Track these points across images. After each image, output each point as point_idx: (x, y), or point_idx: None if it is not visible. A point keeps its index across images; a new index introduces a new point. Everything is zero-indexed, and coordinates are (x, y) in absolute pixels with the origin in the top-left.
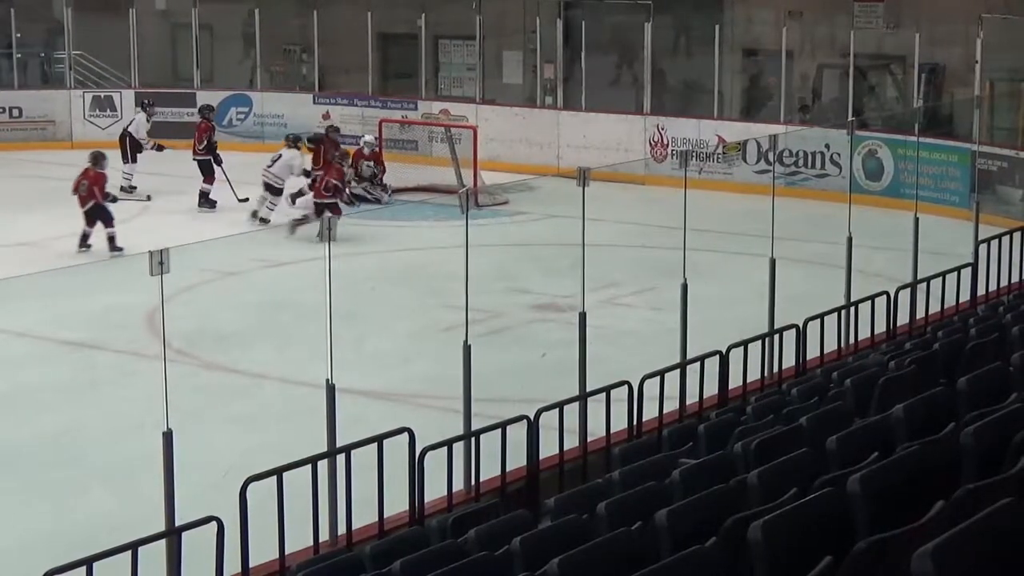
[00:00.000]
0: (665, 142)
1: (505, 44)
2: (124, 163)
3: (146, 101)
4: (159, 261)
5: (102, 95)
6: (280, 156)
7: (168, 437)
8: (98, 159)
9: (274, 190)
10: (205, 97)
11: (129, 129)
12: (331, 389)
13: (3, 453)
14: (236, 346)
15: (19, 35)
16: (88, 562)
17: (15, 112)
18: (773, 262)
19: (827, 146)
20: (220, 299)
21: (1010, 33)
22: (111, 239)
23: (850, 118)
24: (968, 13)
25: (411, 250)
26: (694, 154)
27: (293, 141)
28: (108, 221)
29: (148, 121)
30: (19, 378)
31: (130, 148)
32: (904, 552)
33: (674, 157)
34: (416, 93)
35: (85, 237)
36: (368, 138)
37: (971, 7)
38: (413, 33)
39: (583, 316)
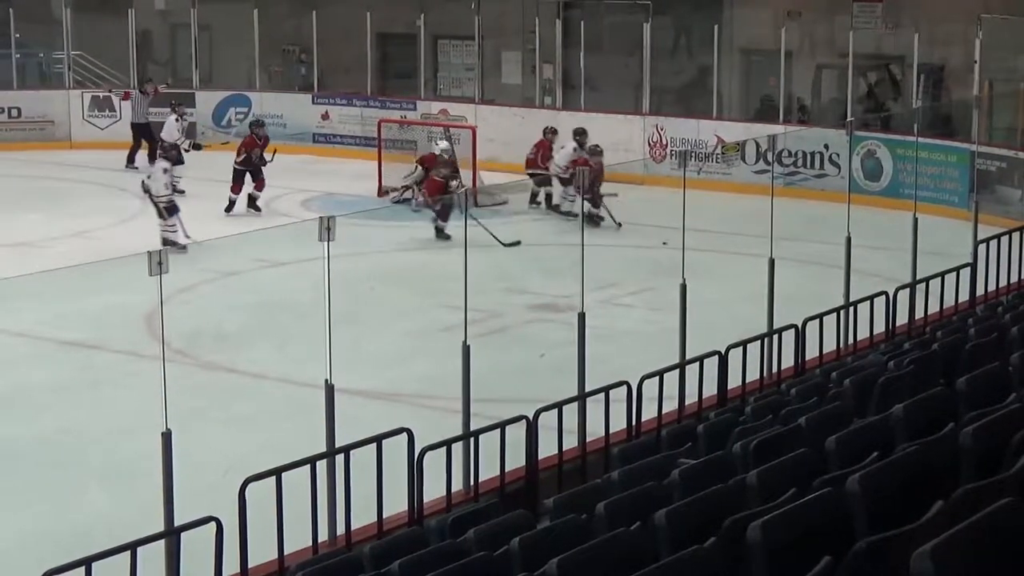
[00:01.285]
0: (664, 142)
1: (504, 44)
2: (151, 163)
3: (174, 102)
4: (158, 261)
5: (101, 95)
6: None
7: (167, 437)
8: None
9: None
10: (203, 98)
11: (161, 135)
12: (330, 389)
13: (2, 453)
14: (235, 346)
15: (18, 35)
16: (87, 562)
17: (14, 112)
18: (772, 262)
19: (826, 146)
20: (219, 299)
21: (1009, 33)
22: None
23: (849, 118)
24: (967, 13)
25: (410, 250)
26: (693, 154)
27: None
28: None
29: (180, 121)
30: (18, 378)
31: (162, 151)
32: (903, 552)
33: (673, 157)
34: (415, 93)
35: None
36: (443, 144)
37: (970, 7)
38: (412, 33)
39: (582, 316)
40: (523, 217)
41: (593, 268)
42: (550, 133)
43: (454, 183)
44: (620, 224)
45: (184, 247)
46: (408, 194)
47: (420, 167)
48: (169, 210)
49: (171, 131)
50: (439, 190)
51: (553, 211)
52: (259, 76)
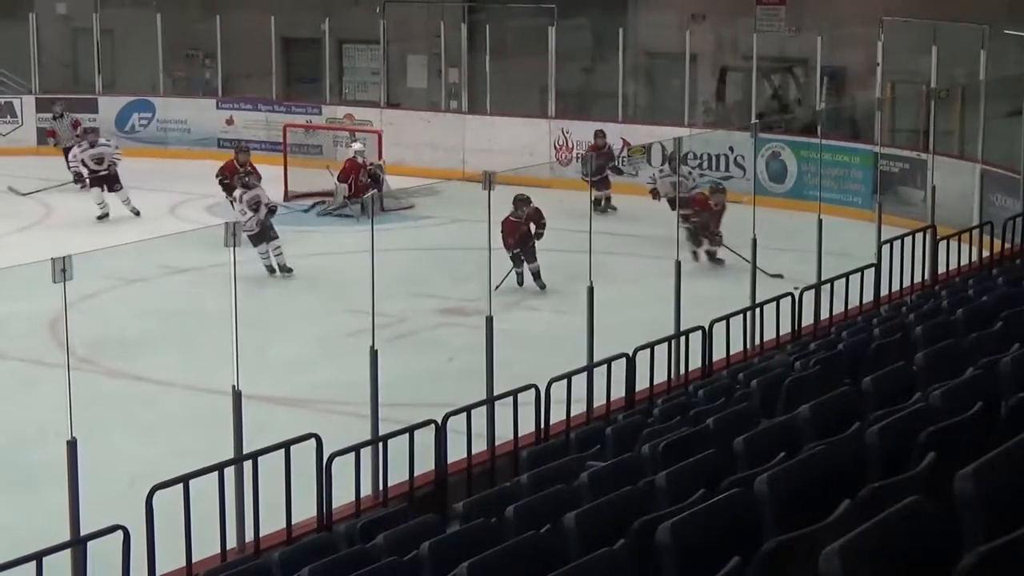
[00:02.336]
0: (570, 145)
1: (409, 48)
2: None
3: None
4: (62, 268)
5: (1, 101)
6: None
7: (72, 446)
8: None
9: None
10: (106, 103)
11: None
12: (237, 396)
13: None
14: (140, 354)
15: None
16: None
17: None
18: (679, 264)
19: (731, 148)
20: (124, 306)
21: (910, 35)
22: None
23: (753, 120)
24: (869, 16)
25: (316, 255)
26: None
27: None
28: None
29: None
30: None
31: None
32: (811, 551)
33: (579, 160)
34: (320, 98)
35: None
36: (357, 146)
37: (871, 10)
38: (316, 37)
39: (490, 320)
40: (428, 221)
41: (499, 272)
42: (600, 137)
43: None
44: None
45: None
46: (346, 210)
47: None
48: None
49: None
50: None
51: (606, 212)
52: (163, 81)
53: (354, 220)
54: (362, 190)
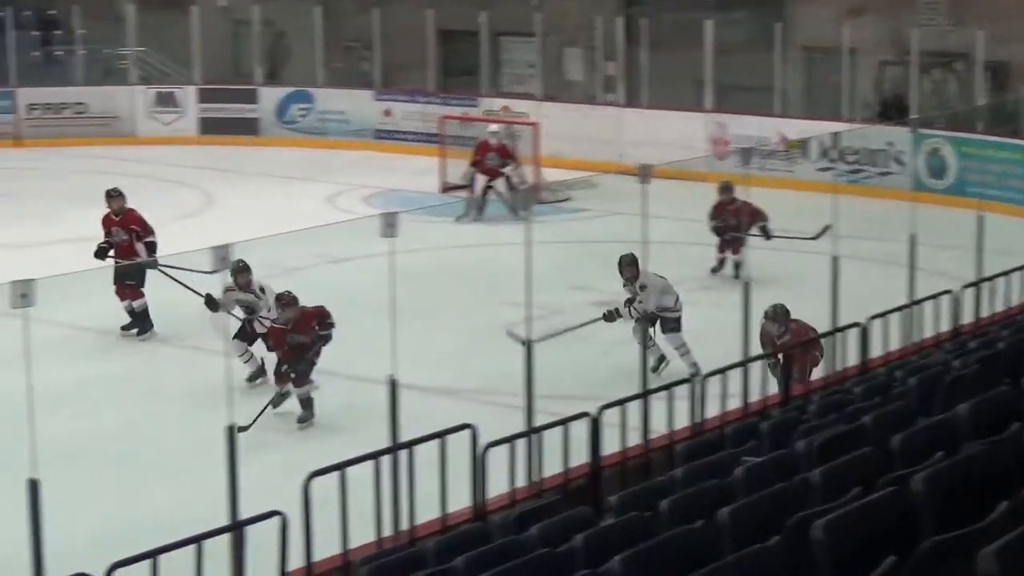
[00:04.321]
0: (727, 139)
1: (566, 40)
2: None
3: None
4: (222, 256)
5: (165, 91)
6: None
7: (232, 431)
8: None
9: None
10: (266, 94)
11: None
12: (394, 385)
13: (69, 447)
14: None
15: (83, 32)
16: (153, 555)
17: (80, 108)
18: (836, 260)
19: (890, 144)
20: None
21: None
22: None
23: (913, 116)
24: None
25: (473, 246)
26: (755, 151)
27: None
28: None
29: None
30: (83, 372)
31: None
32: (969, 553)
33: (736, 154)
34: (477, 90)
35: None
36: (493, 127)
37: None
38: (473, 30)
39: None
40: (585, 214)
41: (655, 266)
42: (726, 192)
43: (507, 168)
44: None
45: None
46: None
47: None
48: None
49: None
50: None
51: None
52: (322, 73)
53: (509, 214)
54: (491, 172)
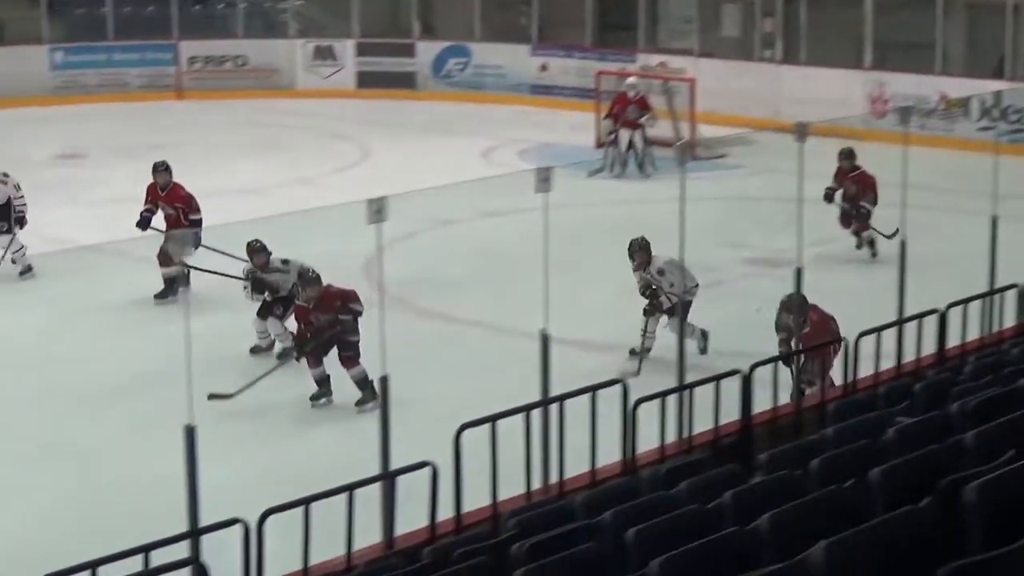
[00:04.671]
0: (886, 97)
1: None
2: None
3: None
4: (377, 209)
5: (323, 45)
6: None
7: (384, 382)
8: None
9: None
10: (423, 48)
11: None
12: (545, 339)
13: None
14: (451, 295)
15: None
16: (305, 502)
17: (240, 61)
18: (995, 220)
19: None
20: (436, 248)
21: None
22: None
23: None
24: None
25: (627, 203)
26: (915, 110)
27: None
28: None
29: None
30: (244, 324)
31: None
32: None
33: (894, 113)
34: (634, 45)
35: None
36: (631, 80)
37: None
38: None
39: (799, 271)
40: (740, 171)
41: (810, 224)
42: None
43: (644, 118)
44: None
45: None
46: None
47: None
48: None
49: None
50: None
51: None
52: (479, 27)
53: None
54: (632, 126)
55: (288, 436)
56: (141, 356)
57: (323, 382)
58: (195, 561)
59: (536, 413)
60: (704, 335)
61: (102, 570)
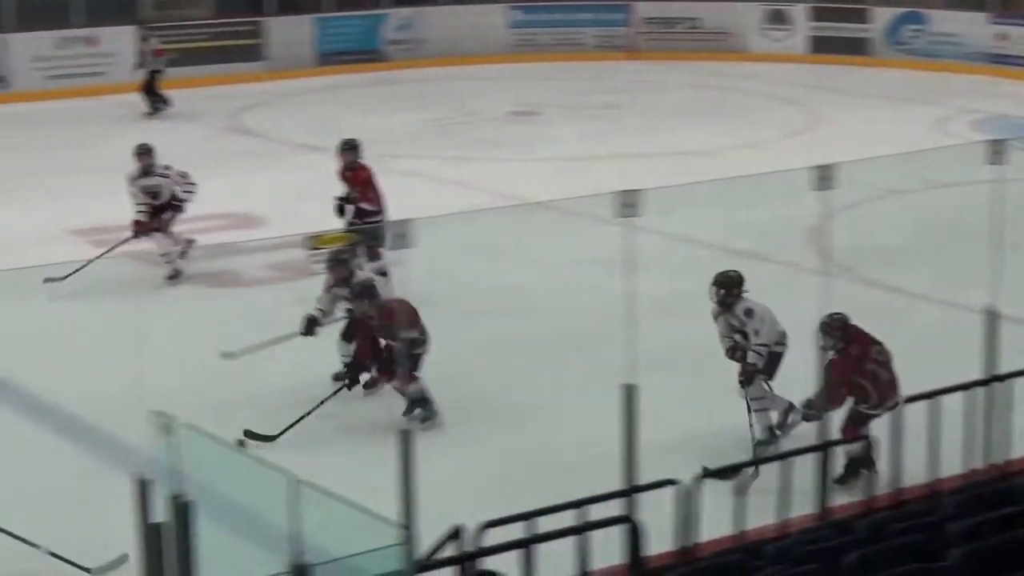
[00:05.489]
0: None
1: None
2: None
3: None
4: (822, 176)
5: (777, 8)
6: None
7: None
8: None
9: None
10: (879, 14)
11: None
12: (992, 315)
13: (666, 355)
14: (897, 266)
15: None
16: (744, 466)
17: (693, 23)
18: None
19: None
20: (883, 217)
21: None
22: None
23: None
24: None
25: None
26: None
27: None
28: None
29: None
30: (684, 285)
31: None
32: None
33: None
34: None
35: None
36: None
37: None
38: None
39: None
40: None
41: None
42: None
43: None
44: None
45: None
46: None
47: None
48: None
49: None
50: None
51: None
52: None
53: None
54: None
55: (717, 401)
56: (583, 311)
57: (419, 403)
58: (629, 519)
59: (979, 391)
60: (790, 409)
61: (541, 520)
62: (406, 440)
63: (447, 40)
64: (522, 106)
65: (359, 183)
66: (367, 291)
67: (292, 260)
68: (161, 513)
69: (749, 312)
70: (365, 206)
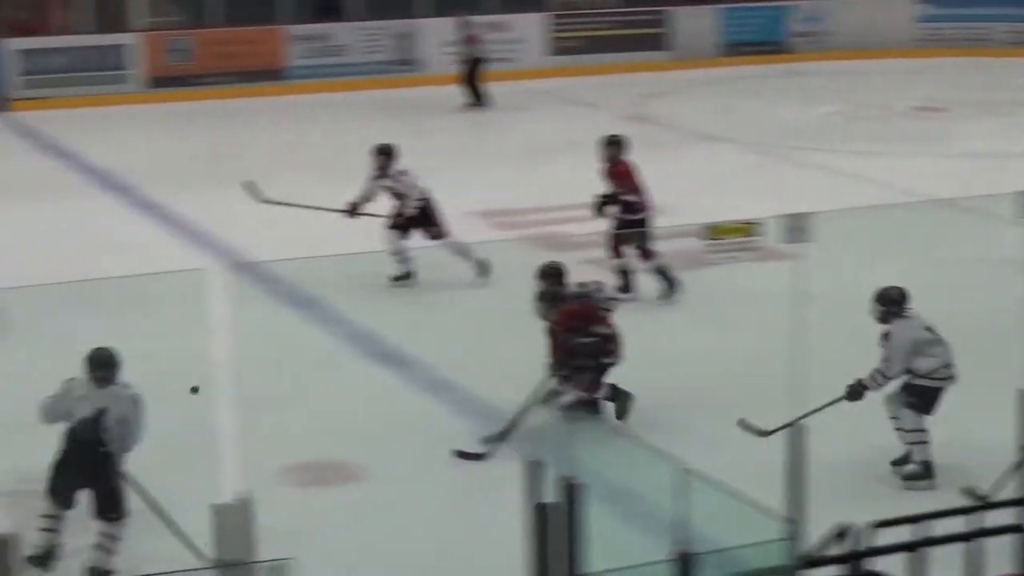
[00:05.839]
0: None
1: None
2: None
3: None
4: None
5: None
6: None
7: None
8: None
9: None
10: None
11: None
12: None
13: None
14: None
15: None
16: None
17: None
18: None
19: None
20: None
21: None
22: None
23: None
24: None
25: None
26: None
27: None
28: None
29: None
30: None
31: None
32: None
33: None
34: None
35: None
36: None
37: None
38: None
39: None
40: None
41: None
42: None
43: None
44: None
45: None
46: None
47: None
48: None
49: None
50: None
51: None
52: None
53: None
54: None
55: None
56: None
57: (587, 402)
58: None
59: None
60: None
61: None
62: (797, 435)
63: (853, 33)
64: (928, 101)
65: (621, 177)
66: (550, 293)
67: (689, 249)
68: (551, 494)
69: (886, 336)
70: (630, 198)
